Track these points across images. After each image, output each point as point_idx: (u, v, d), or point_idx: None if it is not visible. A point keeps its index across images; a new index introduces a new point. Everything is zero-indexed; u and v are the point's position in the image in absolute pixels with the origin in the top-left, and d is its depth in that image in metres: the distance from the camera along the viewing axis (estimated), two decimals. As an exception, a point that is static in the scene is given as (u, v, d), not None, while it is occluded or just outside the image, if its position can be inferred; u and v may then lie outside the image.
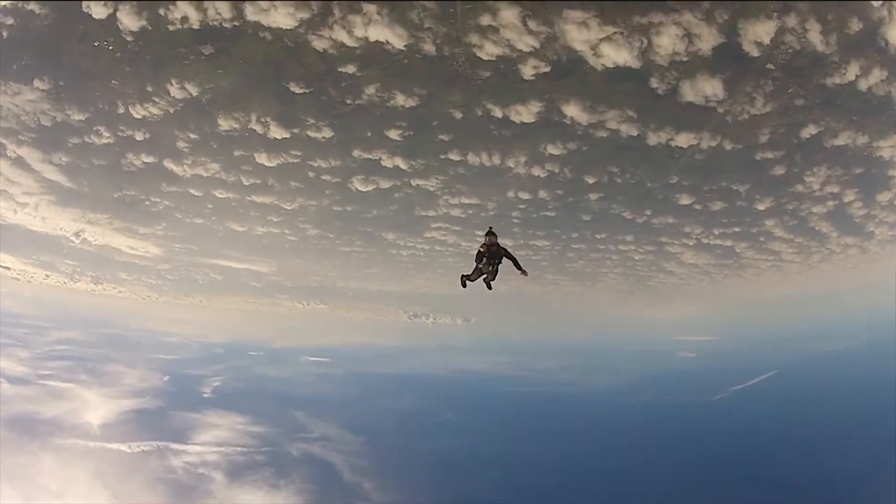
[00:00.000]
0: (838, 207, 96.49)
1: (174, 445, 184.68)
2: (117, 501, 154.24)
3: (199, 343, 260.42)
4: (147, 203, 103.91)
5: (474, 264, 30.90)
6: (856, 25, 57.03)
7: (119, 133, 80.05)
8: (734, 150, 77.56)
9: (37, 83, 70.50)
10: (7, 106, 75.23)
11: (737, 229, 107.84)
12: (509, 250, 30.22)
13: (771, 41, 58.09)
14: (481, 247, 30.46)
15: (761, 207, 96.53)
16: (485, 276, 31.20)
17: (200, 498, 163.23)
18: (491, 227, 30.56)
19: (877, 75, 63.03)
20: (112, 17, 60.24)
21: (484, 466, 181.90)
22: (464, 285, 32.47)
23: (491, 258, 30.08)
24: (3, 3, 59.23)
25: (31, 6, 59.73)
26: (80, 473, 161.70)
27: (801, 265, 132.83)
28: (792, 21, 56.49)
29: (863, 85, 63.97)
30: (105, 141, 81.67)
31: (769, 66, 61.65)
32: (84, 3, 58.80)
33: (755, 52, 59.42)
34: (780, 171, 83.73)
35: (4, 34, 63.03)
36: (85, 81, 70.54)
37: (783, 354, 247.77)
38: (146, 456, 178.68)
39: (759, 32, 57.39)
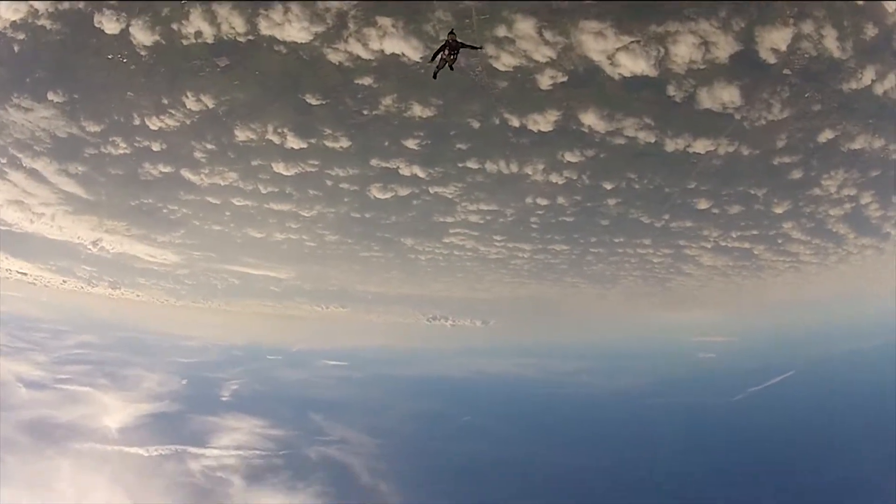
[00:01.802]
0: (855, 210, 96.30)
1: (192, 449, 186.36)
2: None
3: (218, 346, 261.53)
4: (165, 211, 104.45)
5: (437, 55, 39.32)
6: (871, 31, 57.03)
7: (135, 144, 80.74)
8: (751, 156, 77.64)
9: (51, 96, 71.11)
10: (21, 122, 76.41)
11: (755, 232, 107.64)
12: (464, 42, 38.53)
13: (787, 48, 58.24)
14: (445, 43, 38.51)
15: (779, 211, 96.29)
16: (446, 63, 39.54)
17: (219, 501, 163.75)
18: (452, 29, 39.41)
19: (892, 80, 63.07)
20: (125, 32, 60.91)
21: (503, 469, 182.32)
22: (434, 77, 41.97)
23: (451, 50, 38.23)
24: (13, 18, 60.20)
25: (42, 22, 60.36)
26: (97, 478, 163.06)
27: (818, 266, 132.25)
28: (808, 27, 56.67)
29: (878, 89, 64.00)
30: (121, 151, 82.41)
31: (786, 71, 61.83)
32: (96, 19, 59.59)
33: (772, 59, 59.61)
34: (797, 175, 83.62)
35: (16, 49, 63.61)
36: (100, 94, 71.31)
37: (801, 355, 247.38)
38: (164, 460, 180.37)
39: (775, 39, 57.60)
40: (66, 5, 59.26)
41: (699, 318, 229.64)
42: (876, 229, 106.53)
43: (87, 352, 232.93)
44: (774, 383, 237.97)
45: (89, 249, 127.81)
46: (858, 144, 75.24)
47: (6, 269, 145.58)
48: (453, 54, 38.68)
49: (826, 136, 73.50)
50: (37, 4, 58.81)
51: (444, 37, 36.26)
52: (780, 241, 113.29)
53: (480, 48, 41.37)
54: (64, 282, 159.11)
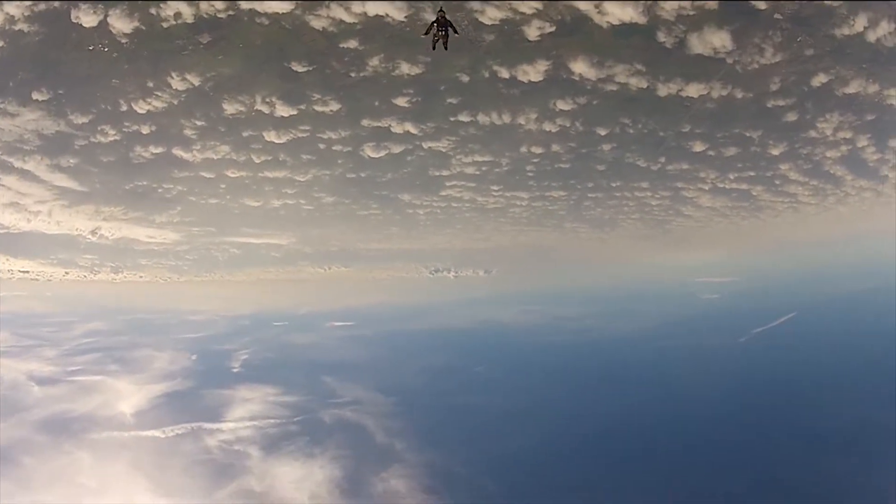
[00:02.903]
0: (852, 152, 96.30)
1: (207, 425, 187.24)
2: (157, 489, 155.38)
3: (224, 318, 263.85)
4: (160, 191, 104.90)
5: (430, 30, 42.90)
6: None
7: (125, 129, 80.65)
8: (745, 99, 77.32)
9: (35, 96, 70.89)
10: (8, 128, 76.47)
11: (752, 173, 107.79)
12: (450, 20, 42.23)
13: (779, -7, 57.79)
14: (435, 19, 42.25)
15: (775, 152, 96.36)
16: (438, 39, 42.86)
17: (238, 475, 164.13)
18: (441, 7, 42.94)
19: (884, 28, 62.66)
20: (103, 23, 60.26)
21: (516, 420, 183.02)
22: (433, 48, 45.21)
23: (440, 26, 41.67)
24: None
25: (20, 26, 59.77)
26: (118, 466, 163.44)
27: (817, 207, 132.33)
28: (799, -27, 56.26)
29: (871, 37, 63.67)
30: (111, 139, 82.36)
31: (777, 16, 61.33)
32: (73, 14, 59.02)
33: (762, 5, 59.07)
34: (792, 117, 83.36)
35: None
36: (84, 86, 71.02)
37: (803, 295, 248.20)
38: (181, 439, 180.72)
39: (767, -16, 57.09)
40: (41, 6, 58.64)
41: (701, 259, 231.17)
42: (873, 172, 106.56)
43: (95, 339, 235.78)
44: (777, 324, 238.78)
45: (88, 238, 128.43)
46: (853, 89, 74.95)
47: (7, 271, 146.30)
48: (442, 30, 41.77)
49: (820, 79, 73.10)
50: (10, 9, 58.48)
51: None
52: (777, 182, 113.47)
53: (458, 33, 44.12)
54: (66, 273, 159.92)
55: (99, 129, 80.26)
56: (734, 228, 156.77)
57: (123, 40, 62.80)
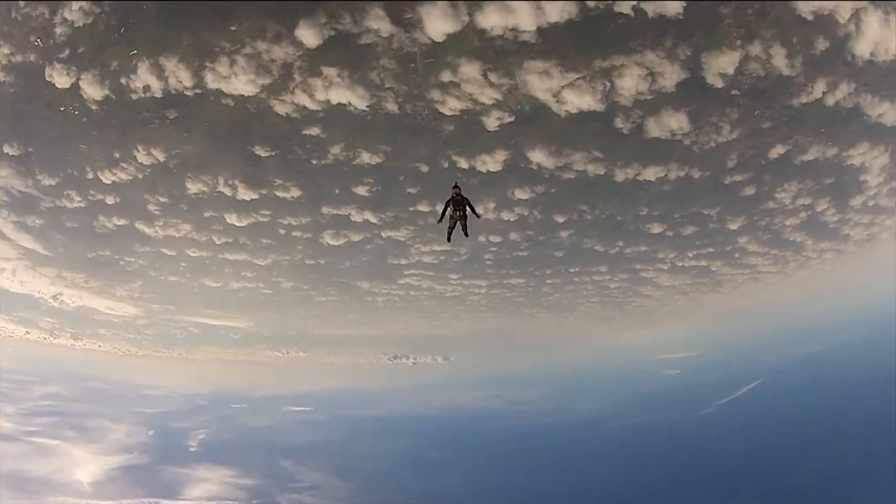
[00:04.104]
0: (811, 217, 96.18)
1: (165, 502, 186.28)
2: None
3: (182, 395, 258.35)
4: (121, 263, 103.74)
5: (444, 213, 38.07)
6: (821, 44, 56.52)
7: (90, 197, 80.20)
8: (702, 178, 77.47)
9: (7, 149, 70.43)
10: None
11: (710, 250, 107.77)
12: (469, 200, 37.38)
13: (735, 70, 57.95)
14: (450, 198, 37.34)
15: (733, 227, 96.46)
16: (457, 222, 38.27)
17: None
18: (456, 182, 38.46)
19: (844, 89, 62.92)
20: (75, 86, 60.12)
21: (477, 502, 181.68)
22: (448, 239, 40.28)
23: (456, 205, 36.97)
24: None
25: None
26: None
27: (778, 274, 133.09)
28: (756, 49, 56.31)
29: (830, 100, 63.84)
30: (76, 205, 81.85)
31: (734, 92, 61.44)
32: (47, 72, 59.05)
33: (719, 83, 59.25)
34: (750, 191, 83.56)
35: None
36: (53, 146, 70.58)
37: (767, 362, 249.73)
38: None
39: (722, 64, 57.21)
40: (18, 58, 58.55)
41: (660, 336, 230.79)
42: (834, 233, 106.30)
43: (54, 403, 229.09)
44: (742, 393, 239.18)
45: (50, 302, 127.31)
46: (811, 155, 75.08)
47: None
48: (460, 210, 37.43)
49: (777, 151, 73.33)
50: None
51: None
52: (737, 256, 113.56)
53: (479, 216, 38.91)
54: (27, 333, 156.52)
55: (65, 193, 79.93)
56: (694, 303, 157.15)
57: (93, 106, 62.61)
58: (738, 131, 67.95)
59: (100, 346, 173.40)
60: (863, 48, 57.53)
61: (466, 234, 39.83)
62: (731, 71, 57.90)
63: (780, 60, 57.46)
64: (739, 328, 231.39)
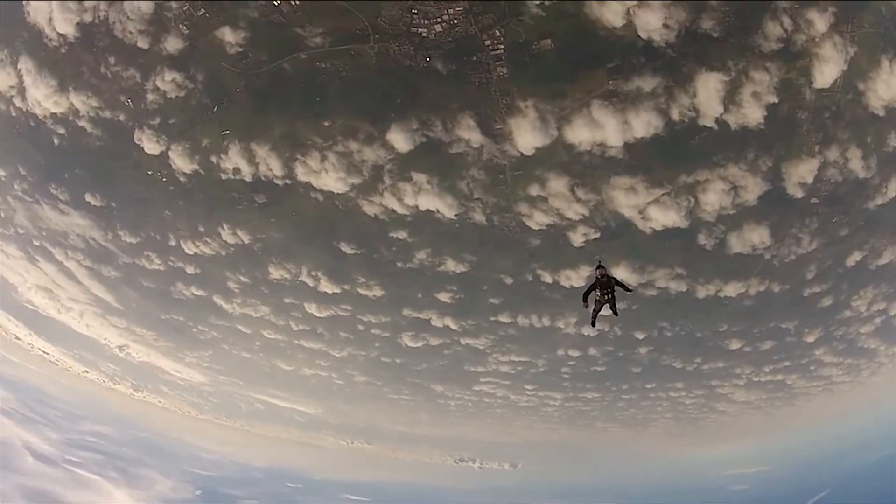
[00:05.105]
0: (885, 322, 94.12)
1: None
2: None
3: (237, 464, 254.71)
4: (194, 331, 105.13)
5: (588, 296, 31.14)
6: (894, 140, 57.61)
7: (170, 263, 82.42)
8: (782, 291, 77.44)
9: (88, 198, 73.12)
10: (56, 219, 78.73)
11: (787, 363, 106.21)
12: (617, 279, 31.14)
13: (814, 178, 59.02)
14: (596, 281, 30.93)
15: (810, 339, 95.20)
16: (603, 305, 31.70)
17: None
18: (600, 261, 31.31)
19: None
20: (164, 155, 62.97)
21: None
22: (593, 324, 33.80)
23: (603, 288, 30.70)
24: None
25: (83, 123, 62.96)
26: None
27: (851, 384, 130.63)
28: (833, 154, 57.76)
29: (904, 200, 64.00)
30: (155, 267, 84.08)
31: (813, 200, 62.39)
32: (136, 135, 61.89)
33: (799, 193, 60.27)
34: (827, 302, 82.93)
35: (56, 141, 65.75)
36: (137, 206, 73.22)
37: (835, 472, 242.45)
38: None
39: (802, 172, 58.51)
40: (107, 114, 61.58)
41: (733, 451, 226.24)
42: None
43: (100, 441, 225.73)
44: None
45: (115, 351, 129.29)
46: (886, 259, 74.93)
47: (29, 344, 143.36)
48: (607, 293, 31.43)
49: (854, 258, 73.61)
50: (76, 102, 61.35)
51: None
52: (812, 368, 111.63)
53: (631, 291, 32.63)
54: (86, 372, 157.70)
55: (145, 254, 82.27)
56: (767, 418, 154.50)
57: (182, 178, 65.24)
58: (817, 241, 68.62)
59: (160, 402, 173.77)
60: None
61: (616, 314, 33.18)
62: (810, 179, 59.12)
63: (856, 163, 58.75)
64: (810, 439, 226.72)
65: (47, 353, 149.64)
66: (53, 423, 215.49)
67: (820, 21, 47.15)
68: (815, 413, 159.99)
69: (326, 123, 57.43)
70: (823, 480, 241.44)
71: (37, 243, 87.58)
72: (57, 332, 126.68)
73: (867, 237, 71.03)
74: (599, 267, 30.90)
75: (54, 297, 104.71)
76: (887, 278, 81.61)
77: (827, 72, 50.40)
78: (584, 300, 31.63)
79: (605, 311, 32.85)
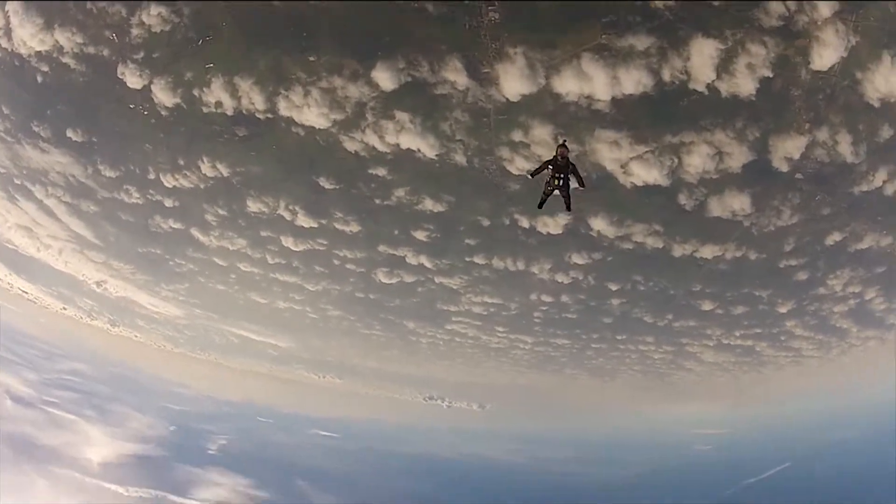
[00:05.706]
0: (859, 305, 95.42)
1: (173, 497, 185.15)
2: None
3: (210, 399, 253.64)
4: (171, 264, 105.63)
5: (539, 172, 30.74)
6: (886, 132, 57.00)
7: (148, 196, 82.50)
8: (758, 260, 77.72)
9: (70, 133, 72.75)
10: (37, 158, 78.46)
11: (758, 330, 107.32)
12: (577, 167, 30.21)
13: (801, 155, 58.57)
14: (552, 157, 30.02)
15: (783, 310, 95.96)
16: (553, 190, 30.84)
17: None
18: (565, 141, 30.67)
19: (905, 178, 63.11)
20: (147, 89, 62.50)
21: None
22: (540, 206, 33.05)
23: (558, 171, 29.75)
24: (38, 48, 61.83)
25: (66, 60, 62.31)
26: None
27: (820, 359, 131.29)
28: (823, 134, 57.03)
29: (889, 190, 64.04)
30: (134, 201, 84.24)
31: (798, 176, 62.04)
32: (119, 69, 61.41)
33: (785, 167, 59.87)
34: (802, 276, 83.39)
35: (39, 79, 65.22)
36: (118, 141, 73.15)
37: (798, 445, 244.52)
38: (143, 503, 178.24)
39: (789, 148, 57.96)
40: (91, 49, 61.00)
41: (697, 411, 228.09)
42: (879, 321, 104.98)
43: (77, 380, 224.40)
44: (769, 475, 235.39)
45: (92, 287, 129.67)
46: (866, 244, 75.03)
47: (7, 283, 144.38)
48: (560, 178, 30.11)
49: (833, 238, 73.59)
50: (61, 39, 60.60)
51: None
52: (782, 338, 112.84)
53: (584, 187, 31.37)
54: (64, 308, 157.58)
55: (124, 188, 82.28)
56: (734, 382, 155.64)
57: (163, 111, 64.85)
58: (798, 216, 68.51)
59: (136, 336, 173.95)
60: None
61: (569, 209, 32.59)
62: (797, 155, 58.61)
63: (845, 147, 58.03)
64: (776, 410, 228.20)
65: (26, 293, 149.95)
66: (31, 364, 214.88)
67: (825, 6, 46.31)
68: (782, 385, 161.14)
69: (312, 58, 56.64)
70: (786, 453, 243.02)
71: (17, 182, 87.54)
72: (36, 271, 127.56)
73: (849, 220, 70.83)
74: (562, 146, 30.04)
75: (34, 236, 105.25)
76: (865, 263, 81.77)
77: (826, 55, 49.42)
78: (532, 175, 31.40)
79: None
